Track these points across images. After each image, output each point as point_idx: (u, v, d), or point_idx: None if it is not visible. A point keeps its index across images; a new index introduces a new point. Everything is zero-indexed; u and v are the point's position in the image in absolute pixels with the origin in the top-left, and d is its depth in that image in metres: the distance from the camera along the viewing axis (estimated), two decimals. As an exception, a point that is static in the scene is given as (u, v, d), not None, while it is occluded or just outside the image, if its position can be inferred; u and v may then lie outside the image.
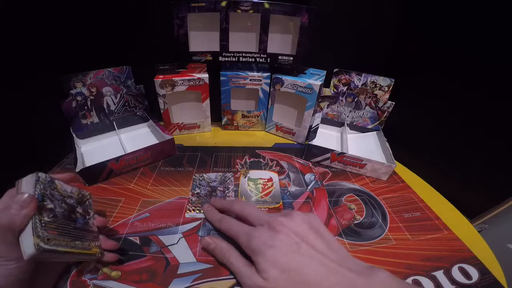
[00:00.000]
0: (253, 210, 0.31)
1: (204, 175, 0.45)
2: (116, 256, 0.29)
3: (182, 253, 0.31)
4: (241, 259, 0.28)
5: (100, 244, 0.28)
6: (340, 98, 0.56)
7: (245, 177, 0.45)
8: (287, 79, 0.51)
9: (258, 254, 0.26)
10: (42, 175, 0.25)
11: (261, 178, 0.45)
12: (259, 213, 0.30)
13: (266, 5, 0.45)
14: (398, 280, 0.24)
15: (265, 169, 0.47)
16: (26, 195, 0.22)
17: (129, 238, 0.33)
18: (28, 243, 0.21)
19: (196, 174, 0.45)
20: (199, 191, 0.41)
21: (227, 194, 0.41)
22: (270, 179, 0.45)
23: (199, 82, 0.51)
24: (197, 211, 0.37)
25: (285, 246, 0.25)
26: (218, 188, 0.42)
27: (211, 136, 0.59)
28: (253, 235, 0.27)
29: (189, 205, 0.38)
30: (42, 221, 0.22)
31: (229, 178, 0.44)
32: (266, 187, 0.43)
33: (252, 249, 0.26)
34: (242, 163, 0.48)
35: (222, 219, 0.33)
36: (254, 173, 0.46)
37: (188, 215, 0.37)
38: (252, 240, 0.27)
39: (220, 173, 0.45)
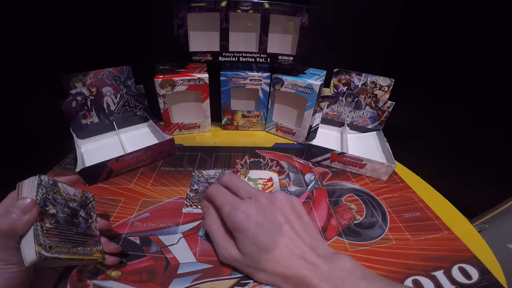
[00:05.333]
0: (240, 183, 0.31)
1: (203, 171, 0.45)
2: (118, 260, 0.29)
3: (182, 253, 0.31)
4: (222, 229, 0.28)
5: (102, 249, 0.28)
6: (340, 98, 0.56)
7: (245, 177, 0.45)
8: (287, 79, 0.51)
9: (240, 228, 0.26)
10: (44, 178, 0.24)
11: (261, 178, 0.45)
12: (246, 186, 0.30)
13: (266, 5, 0.45)
14: (361, 267, 0.25)
15: (265, 169, 0.47)
16: (28, 201, 0.22)
17: (129, 238, 0.33)
18: (29, 250, 0.20)
19: (195, 171, 0.45)
20: (197, 187, 0.41)
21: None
22: (270, 179, 0.45)
23: (199, 82, 0.51)
24: (194, 207, 0.38)
25: (269, 225, 0.26)
26: None
27: (211, 136, 0.59)
28: (239, 207, 0.27)
29: (186, 201, 0.39)
30: (44, 228, 0.22)
31: (229, 177, 0.44)
32: (266, 187, 0.43)
33: (235, 221, 0.26)
34: (242, 163, 0.48)
35: (211, 185, 0.31)
36: (254, 173, 0.46)
37: (185, 210, 0.37)
38: (236, 212, 0.27)
39: (219, 170, 0.46)
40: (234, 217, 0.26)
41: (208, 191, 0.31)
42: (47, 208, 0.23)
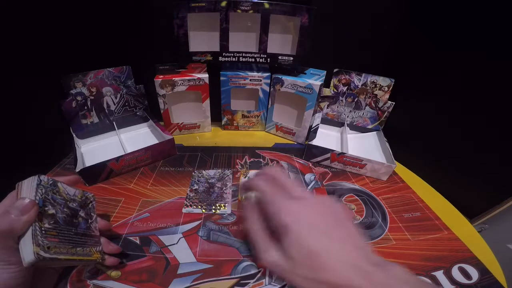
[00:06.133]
0: (290, 181, 0.28)
1: (203, 171, 0.45)
2: (118, 260, 0.29)
3: (182, 253, 0.31)
4: (264, 231, 0.26)
5: (101, 249, 0.28)
6: (340, 98, 0.56)
7: (245, 177, 0.45)
8: (287, 79, 0.51)
9: (289, 229, 0.23)
10: (44, 178, 0.24)
11: None
12: (295, 185, 0.28)
13: (266, 5, 0.45)
14: (415, 277, 0.22)
15: None
16: (26, 201, 0.22)
17: (129, 238, 0.33)
18: (27, 251, 0.20)
19: (195, 171, 0.45)
20: (197, 187, 0.42)
21: (225, 191, 0.41)
22: None
23: (199, 82, 0.51)
24: (194, 207, 0.38)
25: (320, 228, 0.24)
26: (216, 184, 0.42)
27: (211, 136, 0.59)
28: (289, 207, 0.25)
29: (186, 201, 0.39)
30: (43, 228, 0.22)
31: (228, 176, 0.44)
32: None
33: (283, 221, 0.24)
34: (242, 163, 0.48)
35: (257, 177, 0.29)
36: (254, 173, 0.46)
37: (185, 210, 0.37)
38: (285, 212, 0.24)
39: (219, 170, 0.46)
40: (284, 217, 0.24)
41: (255, 184, 0.28)
42: (46, 208, 0.23)
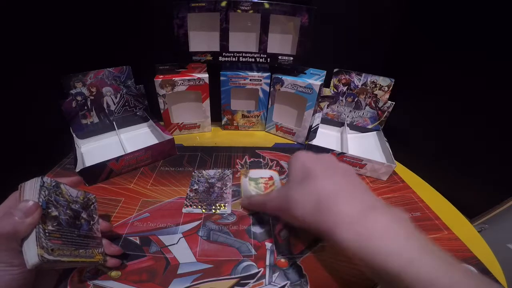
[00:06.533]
0: None
1: (203, 171, 0.45)
2: (119, 262, 0.29)
3: (182, 253, 0.31)
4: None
5: (103, 251, 0.28)
6: (340, 98, 0.56)
7: (246, 177, 0.45)
8: (287, 79, 0.51)
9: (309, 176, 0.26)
10: (47, 179, 0.24)
11: (262, 177, 0.45)
12: None
13: (266, 5, 0.45)
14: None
15: (265, 169, 0.47)
16: (30, 203, 0.22)
17: (129, 238, 0.33)
18: (31, 253, 0.20)
19: (195, 171, 0.45)
20: (197, 187, 0.42)
21: (225, 191, 0.41)
22: (271, 178, 0.45)
23: (199, 82, 0.51)
24: (194, 207, 0.38)
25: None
26: (216, 184, 0.42)
27: (211, 136, 0.59)
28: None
29: (186, 201, 0.39)
30: (46, 230, 0.22)
31: (228, 175, 0.44)
32: (268, 185, 0.43)
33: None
34: (242, 163, 0.48)
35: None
36: (254, 173, 0.46)
37: (185, 210, 0.37)
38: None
39: (219, 170, 0.46)
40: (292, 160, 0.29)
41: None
42: (49, 210, 0.23)
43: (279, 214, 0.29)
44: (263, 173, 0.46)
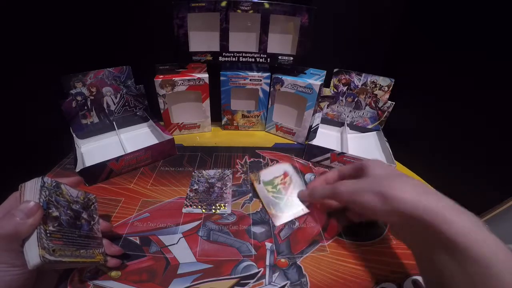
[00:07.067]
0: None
1: (203, 171, 0.45)
2: (120, 262, 0.29)
3: (182, 253, 0.31)
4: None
5: (104, 251, 0.28)
6: (340, 98, 0.56)
7: (259, 183, 0.41)
8: (287, 79, 0.51)
9: (364, 164, 0.31)
10: (47, 180, 0.24)
11: (275, 177, 0.42)
12: None
13: (266, 5, 0.45)
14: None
15: (272, 165, 0.46)
16: (31, 204, 0.22)
17: (129, 238, 0.33)
18: (33, 254, 0.20)
19: (195, 171, 0.45)
20: (197, 187, 0.41)
21: (225, 191, 0.41)
22: (286, 174, 0.42)
23: (199, 82, 0.51)
24: (194, 207, 0.38)
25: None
26: (216, 184, 0.42)
27: (211, 136, 0.59)
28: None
29: (186, 201, 0.39)
30: (47, 231, 0.22)
31: (228, 175, 0.44)
32: (286, 183, 0.41)
33: (358, 163, 0.32)
34: (242, 163, 0.48)
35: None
36: (266, 175, 0.43)
37: (185, 210, 0.37)
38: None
39: (219, 170, 0.46)
40: (357, 163, 0.33)
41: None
42: (50, 211, 0.23)
43: (352, 204, 0.30)
44: (275, 171, 0.43)
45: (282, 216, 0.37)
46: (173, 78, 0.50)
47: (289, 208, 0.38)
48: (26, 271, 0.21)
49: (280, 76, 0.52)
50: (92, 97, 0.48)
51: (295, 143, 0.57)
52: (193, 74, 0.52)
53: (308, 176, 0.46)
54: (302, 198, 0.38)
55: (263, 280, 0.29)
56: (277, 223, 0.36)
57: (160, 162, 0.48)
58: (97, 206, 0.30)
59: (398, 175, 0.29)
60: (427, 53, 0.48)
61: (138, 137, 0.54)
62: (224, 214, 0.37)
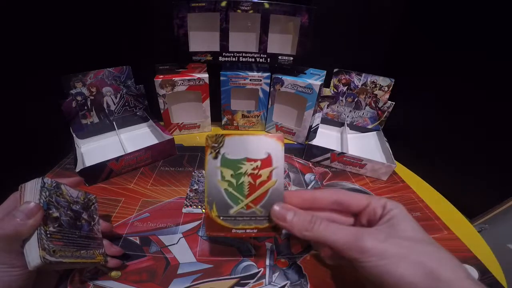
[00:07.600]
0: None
1: (203, 171, 0.45)
2: (120, 262, 0.29)
3: (182, 253, 0.31)
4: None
5: (104, 251, 0.28)
6: (340, 98, 0.56)
7: (215, 158, 0.24)
8: (287, 79, 0.51)
9: (388, 206, 0.23)
10: (48, 180, 0.24)
11: (247, 159, 0.24)
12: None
13: (266, 5, 0.45)
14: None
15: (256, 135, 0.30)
16: (32, 205, 0.22)
17: (129, 238, 0.33)
18: (33, 255, 0.20)
19: (195, 171, 0.45)
20: (197, 187, 0.41)
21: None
22: (268, 160, 0.24)
23: (199, 82, 0.51)
24: (194, 207, 0.38)
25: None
26: None
27: (211, 136, 0.59)
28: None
29: (186, 201, 0.39)
30: (48, 232, 0.22)
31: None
32: (260, 180, 0.24)
33: (377, 202, 0.23)
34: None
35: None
36: (232, 147, 0.25)
37: (185, 210, 0.37)
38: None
39: None
40: (376, 200, 0.24)
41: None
42: (50, 212, 0.23)
43: (347, 255, 0.21)
44: (252, 149, 0.24)
45: (224, 227, 0.23)
46: (173, 78, 0.50)
47: (246, 221, 0.24)
48: (26, 272, 0.21)
49: (280, 76, 0.52)
50: (92, 97, 0.48)
51: (295, 143, 0.57)
52: (193, 74, 0.52)
53: (308, 176, 0.46)
54: (277, 218, 0.24)
55: (263, 280, 0.29)
56: (207, 231, 0.24)
57: (160, 162, 0.48)
58: (97, 207, 0.30)
59: (438, 246, 0.22)
60: (427, 53, 0.48)
61: (138, 137, 0.54)
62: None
